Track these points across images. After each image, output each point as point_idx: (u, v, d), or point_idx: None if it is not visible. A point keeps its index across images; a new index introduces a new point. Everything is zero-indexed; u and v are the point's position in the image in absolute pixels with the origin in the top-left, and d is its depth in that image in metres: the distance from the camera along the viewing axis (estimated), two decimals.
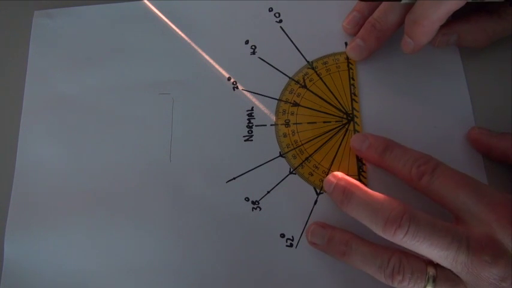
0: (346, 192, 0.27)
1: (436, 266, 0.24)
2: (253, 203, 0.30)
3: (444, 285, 0.23)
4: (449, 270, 0.23)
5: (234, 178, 0.31)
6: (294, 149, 0.31)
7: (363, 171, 0.29)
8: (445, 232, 0.23)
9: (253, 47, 0.34)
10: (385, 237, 0.24)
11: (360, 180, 0.29)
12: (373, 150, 0.28)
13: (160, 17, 0.36)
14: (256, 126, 0.32)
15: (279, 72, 0.33)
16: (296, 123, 0.31)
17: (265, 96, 0.32)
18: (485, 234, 0.23)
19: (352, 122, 0.31)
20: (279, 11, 0.34)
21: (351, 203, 0.26)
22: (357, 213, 0.26)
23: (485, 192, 0.24)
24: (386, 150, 0.27)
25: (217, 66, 0.34)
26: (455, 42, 0.30)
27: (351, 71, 0.32)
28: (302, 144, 0.31)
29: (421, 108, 0.30)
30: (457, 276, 0.23)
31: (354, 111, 0.31)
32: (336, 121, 0.31)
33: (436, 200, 0.25)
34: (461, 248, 0.22)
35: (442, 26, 0.27)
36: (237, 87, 0.33)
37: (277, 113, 0.32)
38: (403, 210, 0.24)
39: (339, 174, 0.28)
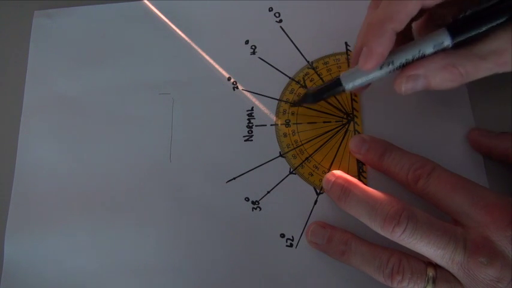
0: (344, 189, 0.27)
1: (436, 267, 0.24)
2: (253, 203, 0.30)
3: (443, 286, 0.23)
4: (448, 271, 0.23)
5: (234, 178, 0.31)
6: (294, 149, 0.31)
7: (363, 171, 0.29)
8: (443, 231, 0.23)
9: (253, 47, 0.34)
10: (383, 234, 0.24)
11: (360, 180, 0.29)
12: (372, 153, 0.28)
13: (160, 17, 0.36)
14: (256, 126, 0.32)
15: (279, 72, 0.33)
16: (296, 123, 0.31)
17: (265, 96, 0.32)
18: (482, 236, 0.23)
19: (352, 122, 0.31)
20: (279, 11, 0.34)
21: (349, 200, 0.26)
22: (356, 210, 0.26)
23: (481, 194, 0.24)
24: (385, 153, 0.27)
25: (217, 66, 0.34)
26: (424, 86, 0.25)
27: None
28: (302, 144, 0.31)
29: (420, 108, 0.30)
30: (456, 277, 0.23)
31: (354, 111, 0.31)
32: (336, 121, 0.31)
33: (433, 204, 0.25)
34: (458, 249, 0.22)
35: (406, 68, 0.25)
36: (237, 87, 0.33)
37: (277, 113, 0.32)
38: (402, 207, 0.24)
39: (338, 172, 0.28)
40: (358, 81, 0.26)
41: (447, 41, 0.24)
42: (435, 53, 0.24)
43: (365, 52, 0.24)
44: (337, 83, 0.27)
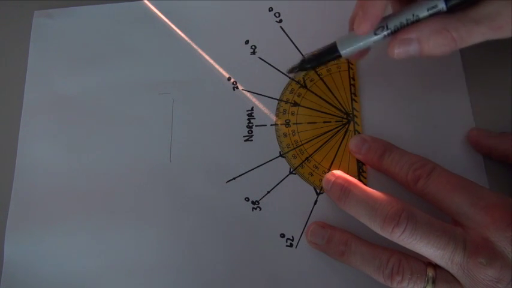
0: (344, 189, 0.27)
1: (436, 267, 0.24)
2: (253, 203, 0.30)
3: (443, 286, 0.23)
4: (448, 271, 0.23)
5: (234, 178, 0.31)
6: (294, 148, 0.31)
7: (363, 171, 0.29)
8: (443, 232, 0.23)
9: (253, 47, 0.34)
10: (383, 234, 0.24)
11: (360, 180, 0.29)
12: (371, 153, 0.28)
13: (160, 17, 0.36)
14: (256, 126, 0.32)
15: (279, 72, 0.33)
16: (296, 123, 0.31)
17: (265, 96, 0.32)
18: (481, 237, 0.23)
19: (352, 122, 0.31)
20: (279, 11, 0.34)
21: (349, 200, 0.26)
22: (355, 210, 0.26)
23: (481, 195, 0.23)
24: (385, 153, 0.27)
25: (217, 66, 0.34)
26: (417, 51, 0.25)
27: (351, 71, 0.32)
28: (302, 144, 0.31)
29: (420, 108, 0.30)
30: (456, 278, 0.23)
31: (354, 111, 0.31)
32: (336, 121, 0.31)
33: (433, 204, 0.25)
34: (457, 249, 0.22)
35: (399, 32, 0.25)
36: (237, 87, 0.33)
37: (277, 113, 0.32)
38: (402, 208, 0.24)
39: (338, 172, 0.28)
40: (354, 46, 0.26)
41: (441, 4, 0.23)
42: (430, 17, 0.24)
43: (359, 15, 0.24)
44: (333, 48, 0.27)
